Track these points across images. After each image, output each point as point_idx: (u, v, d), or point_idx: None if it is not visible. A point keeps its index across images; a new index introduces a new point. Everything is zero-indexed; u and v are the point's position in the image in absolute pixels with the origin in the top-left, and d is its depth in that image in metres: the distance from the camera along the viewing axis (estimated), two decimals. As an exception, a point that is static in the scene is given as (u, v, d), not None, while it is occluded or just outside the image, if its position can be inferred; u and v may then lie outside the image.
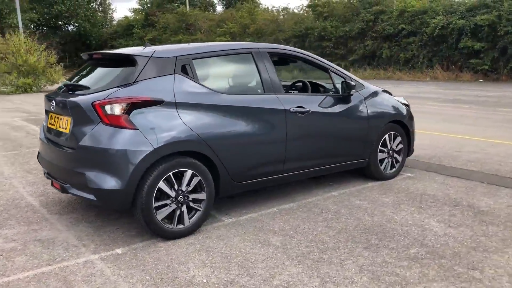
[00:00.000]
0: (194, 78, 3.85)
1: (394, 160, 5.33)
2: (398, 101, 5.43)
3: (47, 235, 3.86)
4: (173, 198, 3.61)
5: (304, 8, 30.66)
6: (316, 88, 5.16)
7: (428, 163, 6.04)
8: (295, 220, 4.08)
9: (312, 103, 4.55)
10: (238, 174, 4.02)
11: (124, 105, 3.46)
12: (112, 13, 48.76)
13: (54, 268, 3.24)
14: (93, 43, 41.95)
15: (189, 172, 3.68)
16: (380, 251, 3.43)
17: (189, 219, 3.74)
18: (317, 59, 4.82)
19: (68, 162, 3.70)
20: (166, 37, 36.90)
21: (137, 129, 3.46)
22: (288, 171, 4.40)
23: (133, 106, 3.48)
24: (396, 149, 5.33)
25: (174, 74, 3.75)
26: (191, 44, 4.40)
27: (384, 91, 5.40)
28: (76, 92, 3.84)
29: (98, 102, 3.48)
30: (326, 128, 4.61)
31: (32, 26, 39.14)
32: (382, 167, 5.21)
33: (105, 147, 3.43)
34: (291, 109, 4.30)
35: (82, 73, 4.25)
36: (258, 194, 4.79)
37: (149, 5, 44.13)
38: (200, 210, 3.79)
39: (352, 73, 24.39)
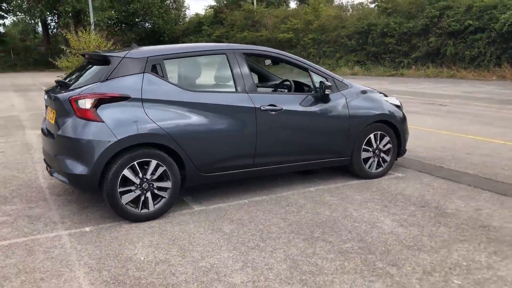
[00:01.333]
0: (164, 76, 4.23)
1: (381, 159, 5.39)
2: (388, 101, 5.47)
3: (38, 212, 4.43)
4: (137, 185, 4.03)
5: (369, 3, 30.08)
6: (301, 88, 5.35)
7: (426, 164, 6.01)
8: (257, 212, 4.35)
9: (287, 102, 4.76)
10: (205, 166, 4.35)
11: (92, 100, 3.92)
12: (185, 11, 50.67)
13: (27, 239, 3.78)
14: (166, 39, 43.88)
15: (153, 162, 4.07)
16: (317, 243, 3.62)
17: (154, 205, 4.13)
18: (295, 59, 5.03)
19: (51, 148, 4.25)
20: (233, 34, 37.78)
21: (103, 122, 3.90)
22: (259, 166, 4.67)
23: (100, 101, 3.94)
24: (384, 149, 5.38)
25: (144, 73, 4.15)
26: (168, 45, 4.79)
27: (378, 92, 5.47)
28: (63, 88, 4.36)
29: (73, 97, 3.96)
30: (300, 126, 4.81)
31: (111, 24, 41.63)
32: (367, 166, 5.31)
33: (75, 137, 3.91)
34: (262, 107, 4.55)
35: (76, 72, 4.79)
36: (239, 185, 5.09)
37: (225, 1, 45.33)
38: (165, 198, 4.18)
39: (414, 70, 23.80)
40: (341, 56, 28.63)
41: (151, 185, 4.09)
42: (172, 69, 4.36)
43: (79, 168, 3.92)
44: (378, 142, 5.33)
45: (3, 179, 5.62)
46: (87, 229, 3.99)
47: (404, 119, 5.55)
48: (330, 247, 3.55)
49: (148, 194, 4.10)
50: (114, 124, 3.92)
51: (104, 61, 4.28)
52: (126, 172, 3.97)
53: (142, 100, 4.07)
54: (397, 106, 5.55)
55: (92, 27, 24.90)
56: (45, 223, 4.13)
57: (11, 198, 4.87)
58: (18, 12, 39.97)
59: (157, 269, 3.22)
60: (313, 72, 5.06)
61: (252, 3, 40.76)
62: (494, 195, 4.74)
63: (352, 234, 3.79)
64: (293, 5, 46.29)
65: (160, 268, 3.23)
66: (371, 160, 5.34)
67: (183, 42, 42.12)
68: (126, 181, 4.00)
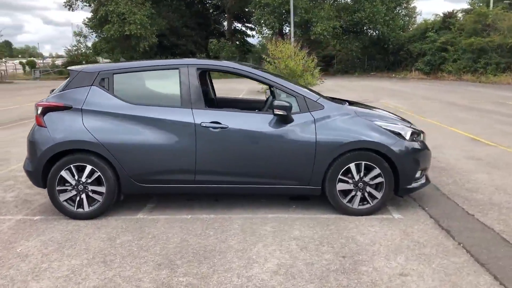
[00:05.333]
0: (109, 90, 4.58)
1: (367, 194, 4.56)
2: (382, 127, 4.56)
3: (26, 196, 5.33)
4: (73, 185, 4.50)
5: None
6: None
7: (454, 207, 4.76)
8: (172, 228, 4.30)
9: (236, 119, 4.52)
10: (140, 176, 4.53)
11: (41, 108, 4.56)
12: (415, 17, 48.22)
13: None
14: (390, 47, 42.79)
15: (89, 167, 4.49)
16: (150, 259, 3.47)
17: (89, 206, 4.54)
18: (258, 75, 4.69)
19: None
20: (459, 40, 34.42)
21: (46, 127, 4.50)
22: (201, 183, 4.57)
23: (46, 109, 4.55)
24: (371, 183, 4.53)
25: (91, 86, 4.59)
26: (128, 62, 5.06)
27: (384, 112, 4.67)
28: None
29: (36, 104, 4.69)
30: (250, 146, 4.49)
31: (339, 33, 42.85)
32: (345, 200, 4.57)
33: (28, 139, 4.63)
34: (202, 124, 4.45)
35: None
36: (205, 200, 5.07)
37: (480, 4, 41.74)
38: (99, 201, 4.54)
39: None
40: None
41: (85, 188, 4.50)
42: (122, 84, 4.65)
43: (29, 166, 4.63)
44: (361, 174, 4.52)
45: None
46: (36, 218, 4.67)
47: (407, 150, 4.53)
48: (152, 265, 3.35)
49: (83, 196, 4.52)
50: (53, 130, 4.48)
51: (70, 74, 4.88)
52: (64, 173, 4.49)
53: (82, 111, 4.51)
54: (397, 134, 4.57)
55: (292, 38, 26.27)
56: (16, 207, 5.00)
57: (21, 183, 5.61)
58: (257, 26, 44.70)
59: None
60: (278, 89, 4.63)
61: (487, 5, 36.28)
62: None
63: (205, 261, 3.45)
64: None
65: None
66: (352, 193, 4.56)
67: (407, 49, 40.46)
68: (65, 181, 4.51)
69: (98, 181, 4.52)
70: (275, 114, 4.41)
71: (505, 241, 3.94)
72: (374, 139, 4.47)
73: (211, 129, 4.46)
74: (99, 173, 4.48)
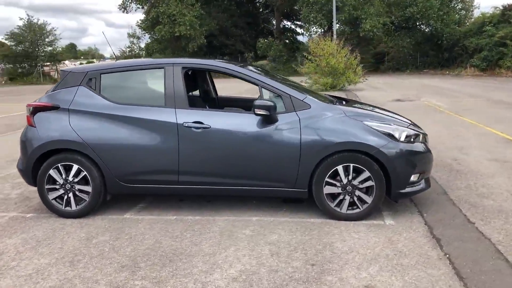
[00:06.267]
0: (96, 90, 4.61)
1: (356, 198, 4.32)
2: (373, 128, 4.29)
3: (30, 193, 5.49)
4: (61, 184, 4.57)
5: None
6: None
7: (452, 212, 4.42)
8: (152, 229, 4.27)
9: (219, 119, 4.42)
10: (124, 176, 4.53)
11: (31, 108, 4.66)
12: (472, 11, 45.80)
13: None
14: (444, 43, 40.98)
15: (75, 167, 4.54)
16: (111, 260, 3.43)
17: (76, 205, 4.60)
18: (243, 73, 4.55)
19: None
20: (518, 34, 32.48)
21: (35, 127, 4.59)
22: (185, 184, 4.50)
23: (36, 109, 4.63)
24: (361, 186, 4.29)
25: (79, 86, 4.64)
26: (115, 61, 5.05)
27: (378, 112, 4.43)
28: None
29: (26, 104, 4.81)
30: (233, 147, 4.37)
31: (390, 29, 41.64)
32: (333, 204, 4.35)
33: (20, 138, 4.74)
34: (185, 124, 4.38)
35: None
36: (194, 201, 5.00)
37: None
38: (86, 200, 4.58)
39: None
40: None
41: (73, 187, 4.56)
42: (108, 83, 4.66)
43: (20, 165, 4.75)
44: (350, 177, 4.28)
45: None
46: (28, 215, 4.79)
47: (400, 152, 4.25)
48: (116, 264, 3.31)
49: (71, 194, 4.58)
50: (41, 129, 4.57)
51: (60, 74, 4.95)
52: (52, 172, 4.56)
53: (69, 110, 4.56)
54: (389, 135, 4.28)
55: (335, 36, 25.79)
56: (16, 204, 5.15)
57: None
58: (305, 23, 44.12)
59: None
60: (264, 88, 4.47)
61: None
62: None
63: (162, 260, 3.38)
64: None
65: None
66: (340, 197, 4.34)
67: (462, 45, 38.66)
68: (54, 180, 4.58)
69: (85, 181, 4.56)
70: (256, 114, 4.26)
71: (498, 252, 3.58)
72: (362, 140, 4.22)
73: (193, 129, 4.38)
74: (85, 173, 4.52)
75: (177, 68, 4.56)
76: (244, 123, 4.37)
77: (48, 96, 4.70)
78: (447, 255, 3.57)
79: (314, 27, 43.28)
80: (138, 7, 47.08)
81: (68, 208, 4.61)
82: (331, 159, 4.27)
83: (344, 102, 5.00)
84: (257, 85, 4.51)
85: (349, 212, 4.35)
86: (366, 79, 22.92)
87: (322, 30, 41.16)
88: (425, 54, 43.65)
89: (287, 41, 51.03)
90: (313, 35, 41.06)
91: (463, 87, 21.90)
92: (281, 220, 4.43)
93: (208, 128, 4.36)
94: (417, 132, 4.54)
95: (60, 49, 54.72)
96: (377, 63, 44.22)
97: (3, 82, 42.90)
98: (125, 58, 47.81)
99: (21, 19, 59.82)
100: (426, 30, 43.12)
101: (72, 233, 4.22)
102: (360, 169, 4.26)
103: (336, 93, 19.91)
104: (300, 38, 52.95)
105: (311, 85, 21.75)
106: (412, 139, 4.44)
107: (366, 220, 4.36)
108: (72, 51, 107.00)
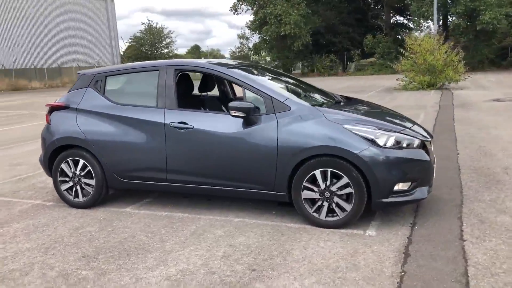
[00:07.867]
0: (100, 91, 4.98)
1: (336, 205, 4.12)
2: (353, 131, 4.03)
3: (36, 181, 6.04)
4: (70, 177, 5.03)
5: None
6: None
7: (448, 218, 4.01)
8: (137, 224, 4.49)
9: (202, 120, 4.50)
10: (122, 172, 4.83)
11: (49, 107, 5.17)
12: None
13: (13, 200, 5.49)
14: None
15: (81, 161, 4.96)
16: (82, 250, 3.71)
17: (83, 197, 5.02)
18: (230, 75, 4.56)
19: None
20: None
21: (51, 124, 5.10)
22: (173, 182, 4.66)
23: (52, 108, 5.13)
24: (339, 193, 4.08)
25: (87, 87, 5.04)
26: (124, 64, 5.31)
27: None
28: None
29: (45, 104, 5.35)
30: (213, 147, 4.42)
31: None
32: (312, 210, 4.20)
33: (41, 135, 5.29)
34: (171, 124, 4.55)
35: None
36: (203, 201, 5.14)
37: None
38: (90, 193, 4.98)
39: None
40: None
41: (80, 180, 4.99)
42: (112, 85, 5.01)
43: (41, 157, 5.29)
44: (328, 182, 4.10)
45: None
46: (36, 202, 5.35)
47: (382, 158, 3.94)
48: (76, 256, 3.57)
49: (78, 187, 5.01)
50: (55, 127, 5.06)
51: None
52: (63, 166, 5.03)
53: (77, 110, 4.99)
54: (369, 140, 4.00)
55: (435, 30, 24.10)
56: (27, 192, 5.76)
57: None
58: (415, 18, 41.70)
59: None
60: (248, 90, 4.44)
61: None
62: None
63: (115, 251, 3.57)
64: None
65: None
66: (319, 203, 4.17)
67: None
68: (65, 173, 5.05)
69: (90, 175, 4.94)
70: (232, 116, 4.26)
71: (463, 275, 3.18)
72: (339, 144, 4.00)
73: (178, 129, 4.51)
74: (89, 167, 4.90)
75: (170, 70, 4.73)
76: (225, 124, 4.40)
77: (64, 97, 5.18)
78: (402, 273, 3.26)
79: (424, 22, 40.83)
80: (248, 9, 48.53)
81: (76, 199, 5.03)
82: (309, 163, 4.11)
83: (342, 103, 4.77)
84: (241, 86, 4.50)
85: (328, 219, 4.14)
86: (469, 76, 21.08)
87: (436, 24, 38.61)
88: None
89: (398, 37, 48.73)
90: (424, 30, 38.83)
91: None
92: (260, 223, 4.38)
93: (191, 128, 4.46)
94: (411, 138, 4.17)
95: (176, 51, 58.44)
96: (501, 59, 40.25)
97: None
98: (234, 58, 49.74)
99: (142, 23, 65.21)
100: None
101: (69, 222, 4.61)
102: (338, 175, 4.05)
103: (433, 92, 18.68)
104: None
105: (407, 83, 20.65)
106: (403, 145, 4.09)
107: (347, 228, 4.12)
108: (196, 53, 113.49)
